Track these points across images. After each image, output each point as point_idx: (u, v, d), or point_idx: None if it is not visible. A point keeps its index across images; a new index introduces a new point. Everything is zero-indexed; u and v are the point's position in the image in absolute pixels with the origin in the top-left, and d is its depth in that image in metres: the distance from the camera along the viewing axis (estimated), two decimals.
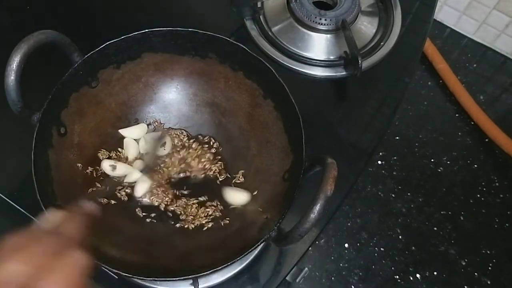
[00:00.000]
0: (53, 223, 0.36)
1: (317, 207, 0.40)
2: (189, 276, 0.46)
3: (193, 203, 0.57)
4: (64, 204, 0.50)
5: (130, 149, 0.59)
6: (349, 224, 0.92)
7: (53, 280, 0.30)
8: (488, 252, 0.91)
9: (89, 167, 0.56)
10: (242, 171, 0.58)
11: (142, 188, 0.57)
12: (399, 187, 0.96)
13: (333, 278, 0.87)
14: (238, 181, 0.58)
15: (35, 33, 0.49)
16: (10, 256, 0.31)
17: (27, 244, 0.32)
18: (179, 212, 0.56)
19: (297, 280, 0.65)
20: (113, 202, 0.56)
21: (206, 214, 0.56)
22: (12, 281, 0.29)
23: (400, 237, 0.92)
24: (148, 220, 0.55)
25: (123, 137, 0.60)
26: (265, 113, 0.58)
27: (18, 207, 0.58)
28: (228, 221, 0.55)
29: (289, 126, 0.55)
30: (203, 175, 0.59)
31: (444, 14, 1.12)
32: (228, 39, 0.56)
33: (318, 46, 0.72)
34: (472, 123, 1.02)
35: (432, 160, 0.99)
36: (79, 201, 0.41)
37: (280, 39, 0.73)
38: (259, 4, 0.74)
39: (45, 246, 0.32)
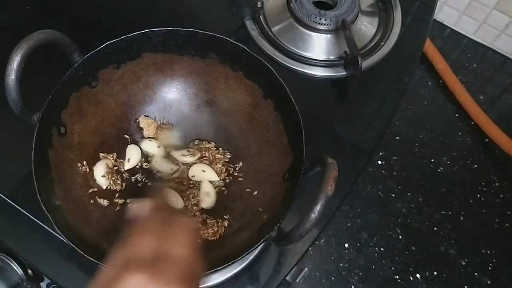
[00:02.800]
0: (146, 207, 0.40)
1: (318, 207, 0.40)
2: None
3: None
4: (64, 204, 0.50)
5: (133, 156, 0.59)
6: (349, 224, 0.92)
7: (177, 244, 0.35)
8: (488, 252, 0.91)
9: (89, 167, 0.56)
10: (241, 163, 0.59)
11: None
12: (399, 187, 0.96)
13: (333, 278, 0.87)
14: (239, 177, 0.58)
15: (35, 33, 0.49)
16: (138, 235, 0.36)
17: (144, 225, 0.37)
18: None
19: (297, 280, 0.65)
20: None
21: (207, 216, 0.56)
22: (148, 249, 0.34)
23: (400, 237, 0.92)
24: None
25: (123, 138, 0.60)
26: (265, 113, 0.58)
27: (18, 207, 0.58)
28: (228, 221, 0.55)
29: (289, 126, 0.55)
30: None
31: (444, 14, 1.12)
32: (228, 39, 0.56)
33: (318, 46, 0.72)
34: (472, 123, 1.02)
35: (432, 160, 0.99)
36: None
37: (280, 39, 0.73)
38: (259, 4, 0.74)
39: (157, 220, 0.38)
